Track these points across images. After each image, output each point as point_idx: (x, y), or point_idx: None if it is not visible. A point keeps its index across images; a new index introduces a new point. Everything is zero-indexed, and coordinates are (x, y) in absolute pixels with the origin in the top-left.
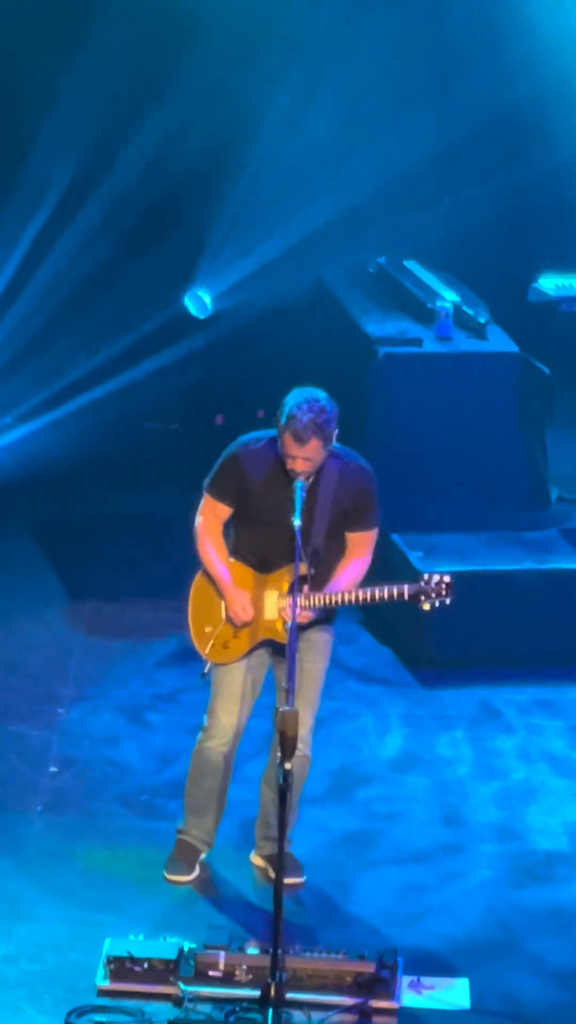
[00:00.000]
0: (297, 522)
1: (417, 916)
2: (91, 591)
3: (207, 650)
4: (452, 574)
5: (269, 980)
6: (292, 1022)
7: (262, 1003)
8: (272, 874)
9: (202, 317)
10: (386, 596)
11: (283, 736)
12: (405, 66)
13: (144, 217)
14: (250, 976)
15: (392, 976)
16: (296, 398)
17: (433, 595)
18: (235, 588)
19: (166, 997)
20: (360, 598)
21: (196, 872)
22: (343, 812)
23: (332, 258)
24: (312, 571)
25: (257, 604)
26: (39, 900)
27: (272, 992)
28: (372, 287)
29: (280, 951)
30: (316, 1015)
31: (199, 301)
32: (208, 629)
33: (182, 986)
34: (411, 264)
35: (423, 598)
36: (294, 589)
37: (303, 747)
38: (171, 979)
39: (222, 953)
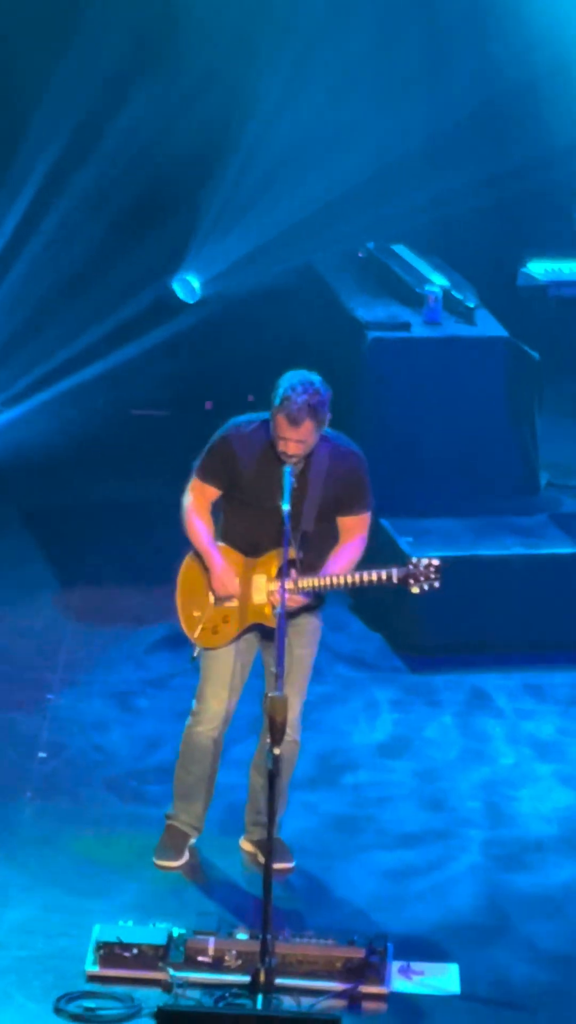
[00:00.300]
0: (286, 506)
1: (407, 901)
2: (81, 578)
3: (196, 634)
4: (442, 559)
5: (259, 966)
6: (282, 1008)
7: (252, 989)
8: (261, 859)
9: (191, 302)
10: (375, 580)
11: (272, 722)
12: (395, 52)
13: (133, 202)
14: (240, 962)
15: (382, 961)
16: (290, 380)
17: (422, 579)
18: (222, 563)
19: (155, 983)
20: (349, 582)
21: (185, 858)
22: (332, 797)
23: (321, 243)
24: (301, 555)
25: (245, 588)
26: (28, 886)
27: (262, 978)
28: (361, 272)
29: (270, 937)
30: (306, 1001)
31: (188, 286)
32: (197, 613)
33: (171, 972)
34: (400, 249)
35: (412, 582)
36: (283, 574)
37: (292, 732)
38: (160, 965)
39: (211, 939)
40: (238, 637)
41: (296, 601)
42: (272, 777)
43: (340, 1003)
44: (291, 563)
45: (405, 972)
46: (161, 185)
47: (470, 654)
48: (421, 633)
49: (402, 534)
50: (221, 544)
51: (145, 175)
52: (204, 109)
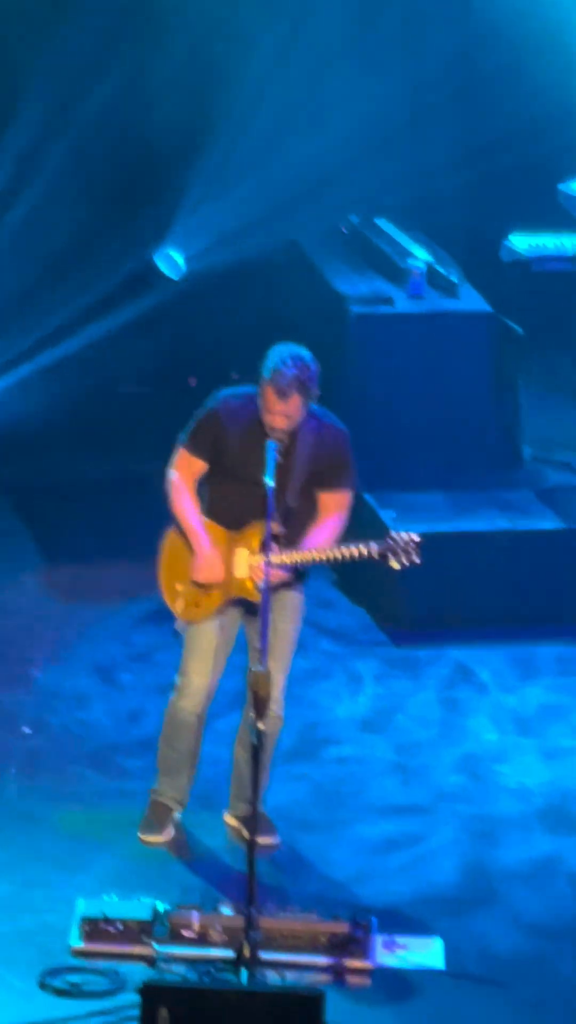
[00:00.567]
0: (270, 482)
1: (391, 875)
2: (65, 554)
3: (178, 608)
4: (425, 534)
5: (243, 940)
6: (266, 982)
7: (236, 963)
8: (246, 834)
9: (175, 278)
10: (355, 555)
11: (256, 696)
12: (377, 27)
13: (116, 179)
14: (224, 937)
15: (366, 936)
16: (280, 353)
17: (401, 554)
18: (207, 545)
19: (140, 958)
20: (329, 557)
21: (170, 832)
22: (316, 771)
23: (305, 218)
24: (284, 530)
25: (227, 562)
26: (12, 862)
27: (246, 952)
28: (344, 247)
29: (254, 911)
30: (290, 975)
31: (172, 262)
32: (179, 587)
33: (156, 947)
34: (383, 223)
35: (391, 557)
36: (267, 548)
37: (275, 707)
38: (145, 940)
39: (196, 914)
40: (220, 611)
41: (277, 576)
42: (256, 752)
43: (324, 977)
44: (274, 538)
45: (389, 946)
46: (145, 161)
47: (453, 628)
48: (404, 607)
49: (385, 508)
50: (205, 519)
51: (128, 151)
52: (187, 85)
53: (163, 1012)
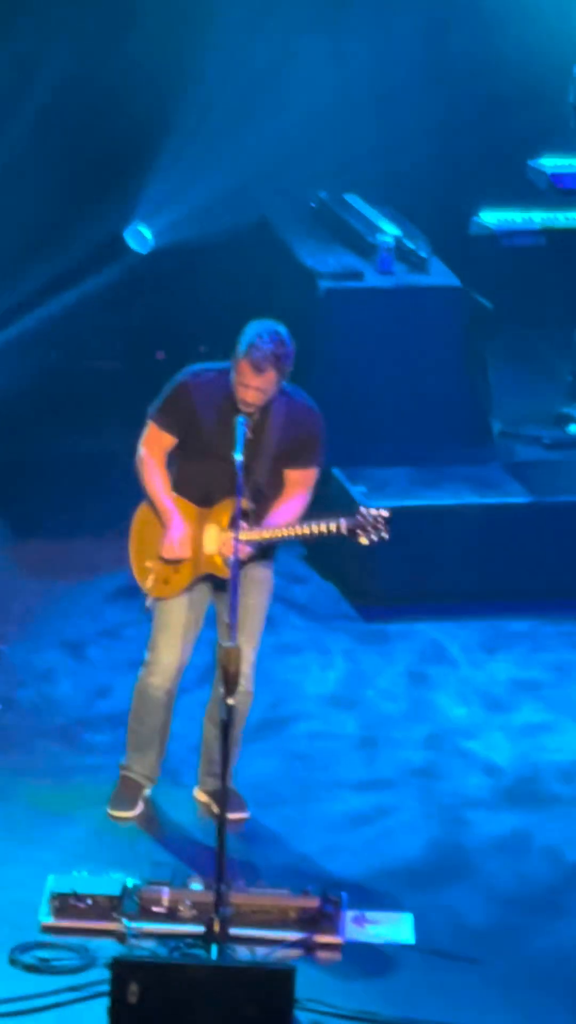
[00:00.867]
0: (239, 457)
1: (361, 851)
2: (34, 530)
3: (148, 584)
4: (395, 509)
5: (213, 916)
6: (236, 958)
7: (206, 939)
8: (216, 809)
9: (143, 252)
10: (324, 531)
11: (225, 672)
12: (345, 1)
13: (85, 153)
14: (194, 912)
15: (336, 911)
16: (257, 328)
17: (370, 530)
18: (177, 521)
19: (110, 933)
20: (298, 533)
21: (140, 808)
22: (286, 747)
23: (273, 193)
24: (253, 506)
25: (196, 538)
26: None
27: (216, 928)
28: (313, 222)
29: (224, 887)
30: (260, 950)
31: (140, 236)
32: (149, 564)
33: (126, 922)
34: (352, 198)
35: (360, 533)
36: (236, 524)
37: (245, 683)
38: (115, 915)
39: (166, 889)
40: (190, 587)
41: (245, 551)
42: (226, 727)
43: (295, 953)
44: (243, 514)
45: (359, 922)
46: (113, 135)
47: (423, 603)
48: (374, 582)
49: (355, 484)
50: (176, 497)
51: (96, 125)
52: (155, 60)
53: (133, 987)
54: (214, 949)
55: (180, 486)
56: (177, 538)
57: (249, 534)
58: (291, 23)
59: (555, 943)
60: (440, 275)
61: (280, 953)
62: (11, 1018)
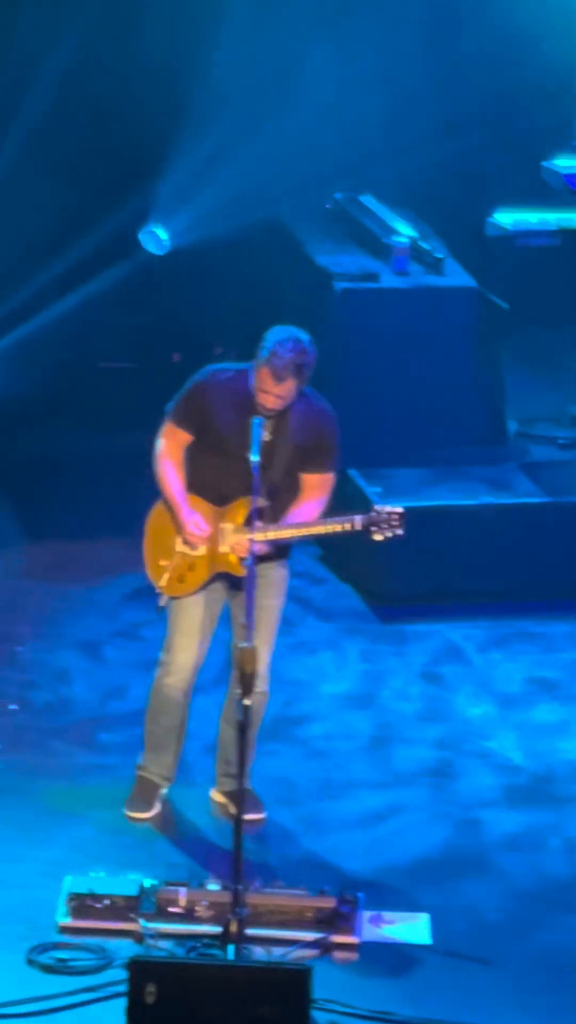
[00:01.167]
0: (255, 457)
1: (378, 850)
2: (50, 531)
3: (162, 583)
4: (411, 509)
5: (230, 916)
6: (253, 958)
7: (223, 939)
8: (233, 810)
9: (159, 254)
10: (338, 528)
11: (242, 673)
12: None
13: (100, 154)
14: (211, 912)
15: (353, 911)
16: (279, 335)
17: (384, 526)
18: (189, 509)
19: (127, 934)
20: (313, 531)
21: (157, 809)
22: (302, 748)
23: (288, 194)
24: (268, 505)
25: (211, 536)
26: None
27: (233, 928)
28: (329, 223)
29: (241, 887)
30: (277, 951)
31: (156, 238)
32: (164, 562)
33: (143, 923)
34: (367, 199)
35: (374, 529)
36: (252, 524)
37: (261, 684)
38: (132, 916)
39: (183, 890)
40: (204, 586)
41: (260, 549)
42: (242, 728)
43: (311, 953)
44: (258, 513)
45: (376, 922)
46: (128, 137)
47: (439, 604)
48: (391, 583)
49: (371, 484)
50: (191, 495)
51: (111, 126)
52: (168, 61)
53: (150, 988)
54: (231, 949)
55: (196, 485)
56: (193, 520)
57: (264, 532)
58: (304, 23)
59: (572, 942)
60: (455, 276)
61: (297, 953)
62: (29, 1018)
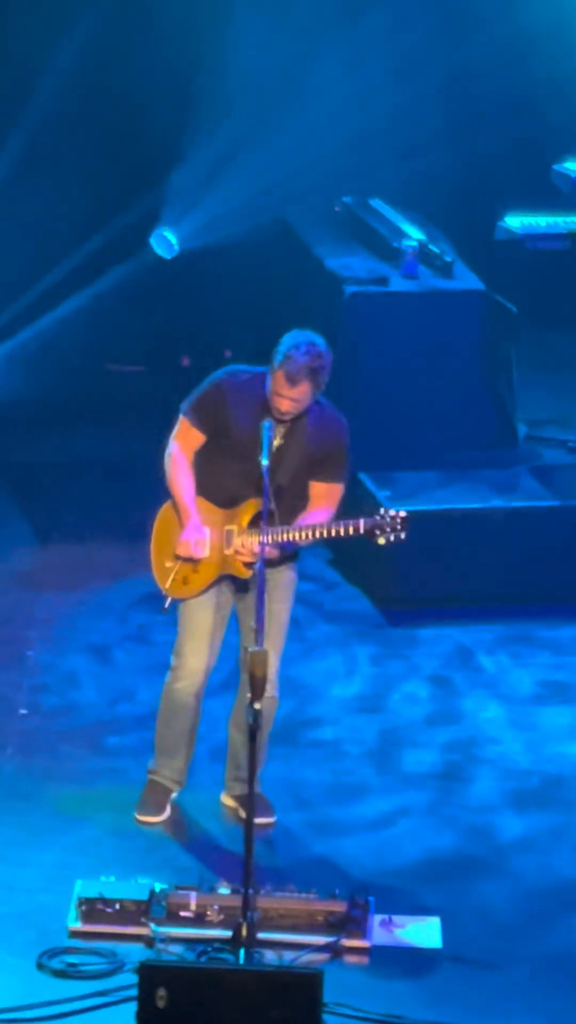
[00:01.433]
0: (265, 461)
1: (389, 854)
2: (59, 534)
3: (167, 584)
4: (421, 513)
5: (240, 920)
6: (264, 962)
7: (234, 943)
8: (243, 814)
9: (168, 258)
10: (342, 532)
11: (253, 677)
12: (367, 3)
13: (109, 157)
14: (222, 916)
15: (363, 915)
16: (295, 339)
17: (388, 529)
18: (195, 522)
19: (138, 938)
20: (317, 535)
21: (167, 813)
22: (312, 752)
23: (297, 197)
24: (275, 509)
25: (218, 539)
26: (9, 842)
27: (244, 932)
28: (338, 226)
29: (251, 891)
30: (288, 954)
31: (165, 242)
32: (168, 564)
33: (154, 927)
34: (376, 203)
35: (378, 532)
36: (263, 529)
37: (270, 688)
38: (143, 920)
39: (193, 894)
40: (209, 588)
41: (270, 552)
42: (253, 733)
43: (322, 957)
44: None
45: (387, 925)
46: (139, 140)
47: (449, 608)
48: (400, 587)
49: (380, 488)
50: (198, 498)
51: (122, 129)
52: (178, 65)
53: (161, 992)
54: (242, 953)
55: (205, 487)
56: (194, 539)
57: (270, 535)
58: (313, 27)
59: None
60: (464, 279)
61: (308, 957)
62: (39, 1023)
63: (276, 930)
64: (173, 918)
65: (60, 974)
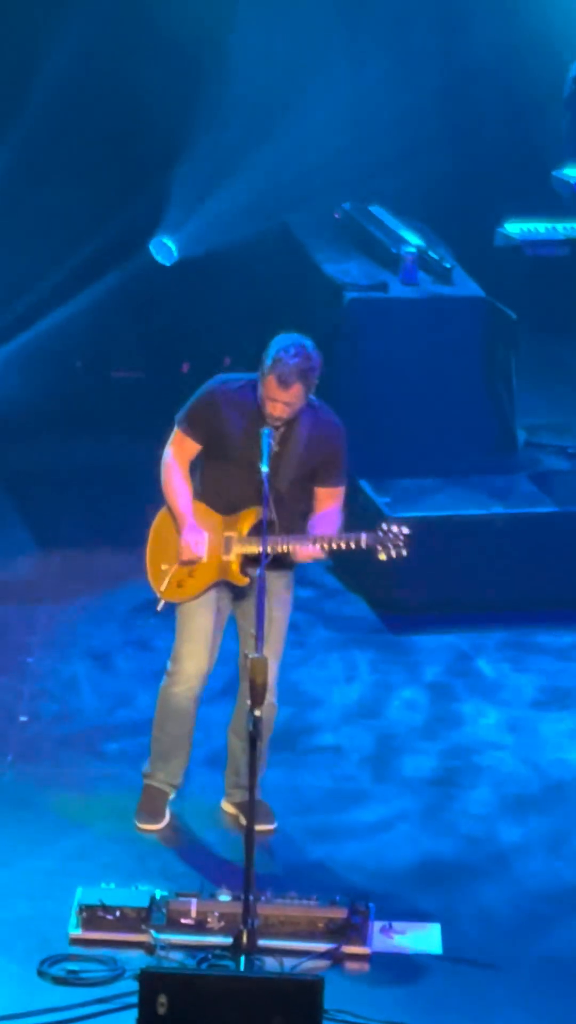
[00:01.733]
0: (264, 468)
1: (389, 860)
2: (60, 540)
3: (162, 588)
4: (420, 519)
5: (241, 927)
6: (264, 969)
7: (234, 950)
8: (243, 821)
9: (168, 264)
10: (343, 545)
11: (252, 684)
12: (367, 9)
13: (109, 164)
14: (222, 923)
15: (364, 922)
16: (283, 342)
17: (390, 546)
18: (193, 523)
19: (138, 945)
20: (320, 546)
21: (167, 819)
22: (312, 758)
23: (297, 204)
24: (275, 516)
25: (215, 545)
26: (10, 849)
27: (244, 939)
28: (337, 233)
29: (252, 898)
30: (288, 961)
31: (165, 248)
32: (164, 567)
33: (154, 934)
34: (376, 209)
35: (380, 548)
36: (263, 536)
37: (270, 695)
38: (143, 927)
39: (194, 901)
40: (203, 593)
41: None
42: (253, 740)
43: (323, 963)
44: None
45: (387, 932)
46: (138, 146)
47: (449, 614)
48: (400, 593)
49: (380, 494)
50: (198, 503)
51: (121, 136)
52: (178, 69)
53: (161, 999)
54: (242, 960)
55: (204, 494)
56: (193, 539)
57: (274, 546)
58: (313, 34)
59: None
60: (464, 285)
61: (308, 964)
62: None
63: (276, 937)
64: (174, 925)
65: (61, 981)
